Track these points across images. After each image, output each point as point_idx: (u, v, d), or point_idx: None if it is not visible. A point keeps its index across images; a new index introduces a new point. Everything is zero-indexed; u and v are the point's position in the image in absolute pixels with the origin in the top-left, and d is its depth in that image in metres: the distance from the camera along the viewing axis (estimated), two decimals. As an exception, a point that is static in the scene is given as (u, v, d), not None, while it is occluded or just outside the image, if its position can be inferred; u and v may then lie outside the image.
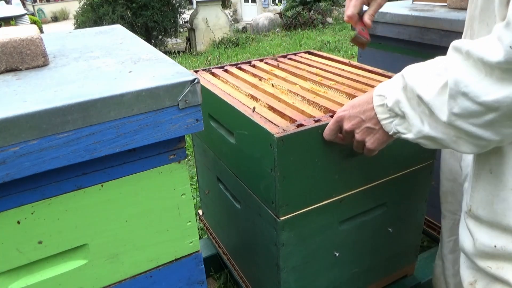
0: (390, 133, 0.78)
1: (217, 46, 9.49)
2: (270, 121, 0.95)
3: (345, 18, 1.18)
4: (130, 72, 0.73)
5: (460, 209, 1.11)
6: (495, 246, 0.73)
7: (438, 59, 0.68)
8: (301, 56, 1.55)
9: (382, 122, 0.78)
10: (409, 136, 0.74)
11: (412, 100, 0.71)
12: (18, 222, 0.66)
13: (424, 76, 0.68)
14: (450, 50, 0.65)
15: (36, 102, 0.60)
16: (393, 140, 0.83)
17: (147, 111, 0.67)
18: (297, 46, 7.40)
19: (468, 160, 0.93)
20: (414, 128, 0.72)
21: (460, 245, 0.81)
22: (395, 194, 1.17)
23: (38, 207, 0.67)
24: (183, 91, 0.68)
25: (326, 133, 0.91)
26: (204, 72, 1.38)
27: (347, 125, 0.84)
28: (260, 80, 1.26)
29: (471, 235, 0.77)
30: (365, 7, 1.22)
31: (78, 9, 11.86)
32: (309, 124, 0.93)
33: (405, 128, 0.74)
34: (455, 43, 0.63)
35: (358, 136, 0.83)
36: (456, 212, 1.13)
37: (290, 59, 1.52)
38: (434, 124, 0.68)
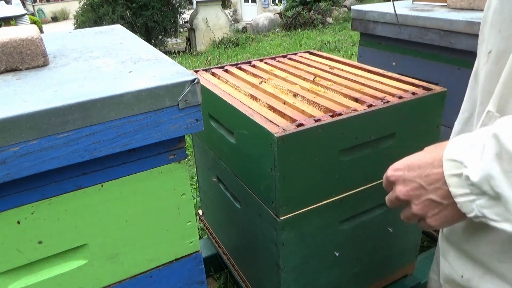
0: (470, 215, 0.55)
1: (217, 46, 9.49)
2: (270, 120, 0.95)
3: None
4: (130, 72, 0.73)
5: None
6: (462, 276, 0.68)
7: None
8: (301, 56, 1.55)
9: (458, 200, 0.55)
10: (506, 227, 0.52)
11: None
12: (18, 222, 0.66)
13: None
14: None
15: (36, 102, 0.60)
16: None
17: (147, 111, 0.67)
18: (297, 46, 7.40)
19: None
20: None
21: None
22: (395, 194, 1.17)
23: (38, 207, 0.67)
24: (183, 91, 0.68)
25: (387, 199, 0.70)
26: (204, 72, 1.38)
27: (400, 192, 0.63)
28: (260, 83, 1.26)
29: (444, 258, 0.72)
30: None
31: (78, 9, 11.86)
32: (309, 123, 0.93)
33: (497, 214, 0.52)
34: None
35: (416, 208, 0.62)
36: None
37: (290, 59, 1.52)
38: None
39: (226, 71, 1.39)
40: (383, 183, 0.69)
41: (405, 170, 0.63)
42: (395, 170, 0.65)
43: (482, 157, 0.52)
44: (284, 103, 1.06)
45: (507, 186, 0.49)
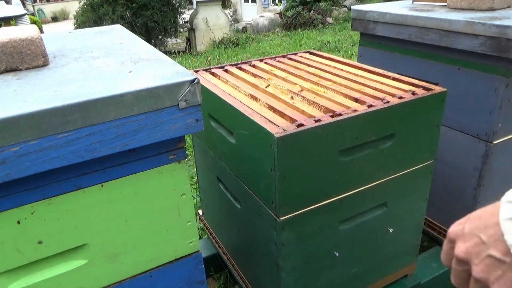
0: None
1: (217, 46, 9.48)
2: (270, 121, 0.95)
3: None
4: (130, 72, 0.73)
5: None
6: None
7: None
8: (301, 56, 1.55)
9: None
10: None
11: None
12: (18, 222, 0.66)
13: None
14: None
15: (36, 102, 0.60)
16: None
17: (147, 111, 0.67)
18: (297, 46, 7.40)
19: None
20: None
21: None
22: (395, 194, 1.17)
23: (38, 207, 0.67)
24: (183, 91, 0.68)
25: (442, 257, 0.54)
26: (204, 72, 1.38)
27: (459, 249, 0.49)
28: (263, 84, 1.26)
29: None
30: None
31: (78, 9, 11.86)
32: (309, 124, 0.93)
33: None
34: None
35: (476, 270, 0.46)
36: None
37: (290, 59, 1.52)
38: None
39: (226, 71, 1.39)
40: (443, 248, 0.53)
41: (465, 223, 0.49)
42: (456, 224, 0.51)
43: None
44: (289, 106, 1.06)
45: None
